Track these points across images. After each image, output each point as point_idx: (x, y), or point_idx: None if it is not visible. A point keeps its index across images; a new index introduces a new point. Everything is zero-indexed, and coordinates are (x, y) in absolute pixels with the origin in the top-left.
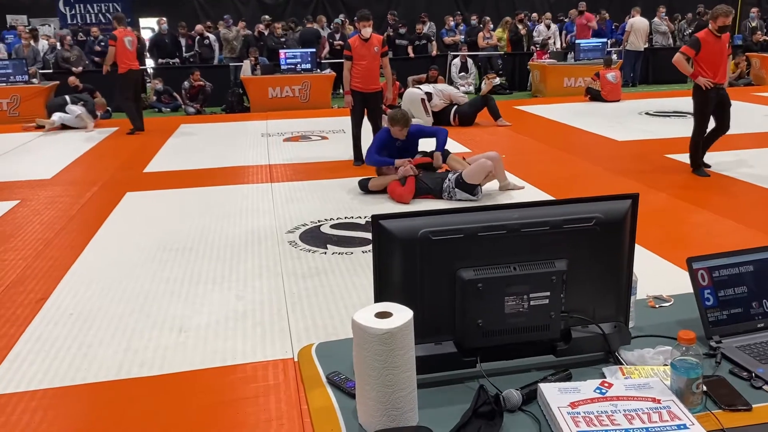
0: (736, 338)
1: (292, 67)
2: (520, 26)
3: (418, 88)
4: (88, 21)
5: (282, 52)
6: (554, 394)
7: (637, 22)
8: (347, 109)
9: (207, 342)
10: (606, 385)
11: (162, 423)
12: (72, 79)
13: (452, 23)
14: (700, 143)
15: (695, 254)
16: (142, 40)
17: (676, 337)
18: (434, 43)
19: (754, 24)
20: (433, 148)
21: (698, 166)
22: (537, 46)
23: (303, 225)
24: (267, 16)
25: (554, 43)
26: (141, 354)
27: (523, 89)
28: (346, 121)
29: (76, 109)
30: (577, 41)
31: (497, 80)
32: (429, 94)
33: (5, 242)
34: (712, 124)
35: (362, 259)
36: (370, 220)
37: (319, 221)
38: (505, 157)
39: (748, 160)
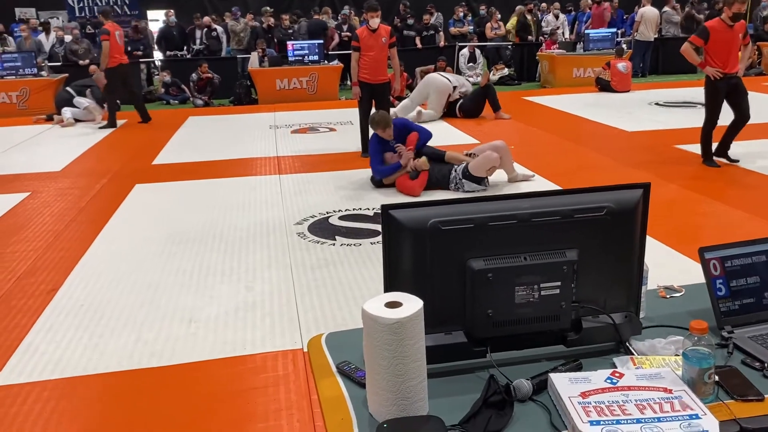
0: (748, 328)
1: (300, 58)
2: (528, 16)
3: (447, 78)
4: (96, 14)
5: (290, 43)
6: (565, 384)
7: (647, 12)
8: (354, 101)
9: (217, 333)
10: (617, 375)
11: (172, 413)
12: (93, 68)
13: (460, 14)
14: (711, 133)
15: (705, 245)
16: (149, 32)
17: (688, 327)
18: (442, 33)
19: (765, 13)
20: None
21: (709, 156)
22: (546, 36)
23: (311, 216)
24: (268, 8)
25: (563, 33)
26: (151, 345)
27: (531, 80)
28: (353, 113)
29: (84, 101)
30: (586, 31)
31: (505, 71)
32: (454, 88)
33: (16, 233)
34: (731, 115)
35: (371, 251)
36: (378, 211)
37: (327, 213)
38: (514, 148)
39: (759, 151)
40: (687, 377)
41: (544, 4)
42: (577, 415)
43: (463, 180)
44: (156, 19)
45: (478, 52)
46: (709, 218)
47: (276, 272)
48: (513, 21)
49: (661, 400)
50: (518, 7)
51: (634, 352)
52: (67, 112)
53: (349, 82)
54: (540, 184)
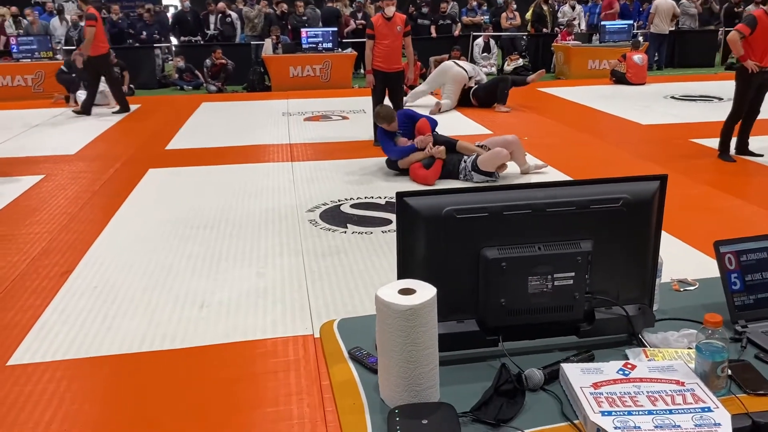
0: (762, 323)
1: (314, 46)
2: (544, 7)
3: (463, 68)
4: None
5: (304, 30)
6: (577, 374)
7: (662, 4)
8: (368, 89)
9: (228, 317)
10: (629, 366)
11: (183, 395)
12: (75, 53)
13: (474, 3)
14: (733, 127)
15: (719, 239)
16: (166, 17)
17: (701, 320)
18: (459, 23)
19: None
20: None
21: (726, 150)
22: (561, 27)
23: (323, 204)
24: None
25: (579, 24)
26: (163, 327)
27: (546, 71)
28: (366, 101)
29: (100, 86)
30: (602, 23)
31: (520, 61)
32: (470, 78)
33: (31, 215)
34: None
35: (382, 239)
36: (390, 200)
37: (339, 201)
38: (528, 140)
39: None
40: (700, 370)
41: None
42: (589, 405)
43: (473, 172)
44: (171, 5)
45: (492, 42)
46: (724, 213)
47: (287, 259)
48: (530, 13)
49: (673, 393)
50: None
51: (647, 345)
52: (81, 96)
53: (362, 71)
54: (553, 176)
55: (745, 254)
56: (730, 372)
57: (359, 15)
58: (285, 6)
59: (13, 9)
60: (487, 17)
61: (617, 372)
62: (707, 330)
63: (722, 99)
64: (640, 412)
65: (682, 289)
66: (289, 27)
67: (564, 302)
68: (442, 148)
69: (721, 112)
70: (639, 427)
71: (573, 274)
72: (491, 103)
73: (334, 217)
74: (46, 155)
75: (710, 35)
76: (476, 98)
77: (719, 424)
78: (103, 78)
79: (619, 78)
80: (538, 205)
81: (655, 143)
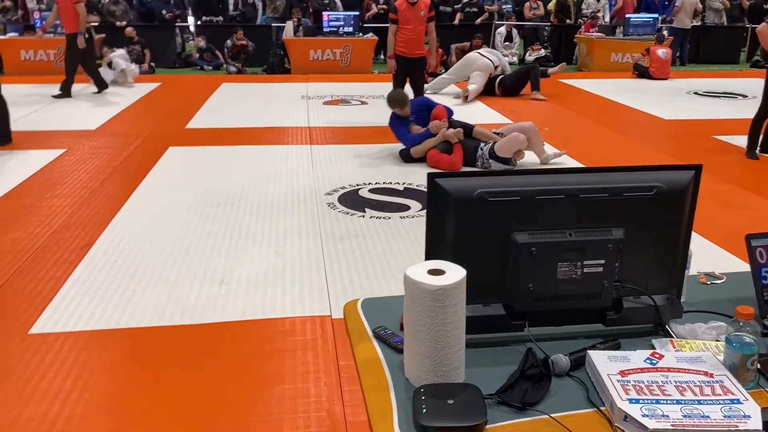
0: None
1: (335, 29)
2: None
3: (488, 58)
4: None
5: (325, 14)
6: (604, 361)
7: None
8: (387, 75)
9: (247, 295)
10: (657, 356)
11: (202, 369)
12: (129, 30)
13: None
14: (761, 124)
15: (741, 237)
16: None
17: (728, 314)
18: (487, 13)
19: None
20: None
21: (753, 148)
22: (585, 18)
23: (342, 188)
24: None
25: (603, 16)
26: (182, 303)
27: (568, 62)
28: (385, 87)
29: (122, 63)
30: (627, 16)
31: (542, 51)
32: (495, 67)
33: (52, 189)
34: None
35: (400, 225)
36: (408, 186)
37: (357, 185)
38: (547, 131)
39: None
40: (729, 362)
41: None
42: (616, 392)
43: (490, 159)
44: None
45: (515, 31)
46: (747, 210)
47: (306, 240)
48: (554, 1)
49: (701, 383)
50: None
51: (674, 335)
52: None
53: (382, 56)
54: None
55: None
56: (759, 366)
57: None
58: None
59: None
60: (510, 6)
61: (644, 361)
62: (738, 322)
63: (747, 96)
64: (668, 401)
65: (709, 283)
66: (311, 10)
67: (592, 290)
68: (459, 129)
69: (745, 109)
70: (667, 416)
71: (603, 261)
72: (517, 92)
73: (353, 201)
74: (67, 130)
75: (736, 32)
76: (502, 87)
77: (749, 416)
78: (120, 55)
79: (641, 72)
80: (572, 191)
81: (678, 138)
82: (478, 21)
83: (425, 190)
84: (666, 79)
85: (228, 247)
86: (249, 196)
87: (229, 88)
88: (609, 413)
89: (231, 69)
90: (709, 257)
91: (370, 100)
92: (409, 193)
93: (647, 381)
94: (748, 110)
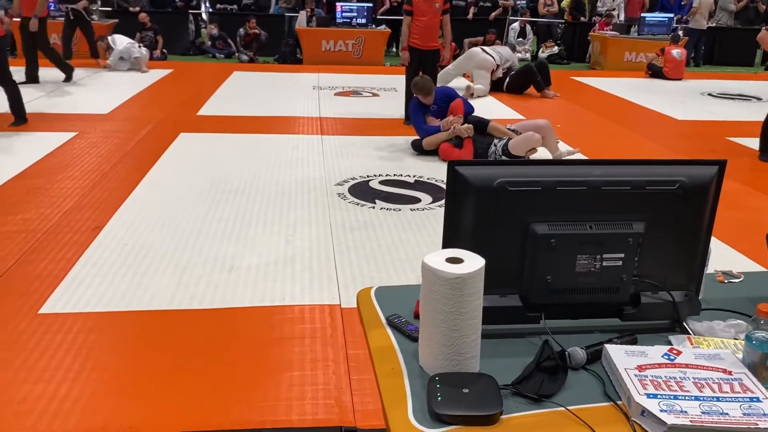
0: None
1: (348, 21)
2: None
3: (490, 55)
4: None
5: (339, 5)
6: (621, 355)
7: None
8: (399, 68)
9: (257, 282)
10: (675, 352)
11: (210, 353)
12: (143, 16)
13: None
14: None
15: (754, 239)
16: None
17: (746, 312)
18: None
19: None
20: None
21: (765, 150)
22: (600, 16)
23: (352, 179)
24: None
25: (618, 15)
26: (192, 288)
27: (581, 60)
28: (397, 80)
29: (135, 51)
30: (642, 15)
31: (555, 48)
32: (498, 66)
33: (63, 171)
34: None
35: (410, 217)
36: (419, 179)
37: (368, 176)
38: (560, 127)
39: None
40: (748, 360)
41: None
42: (634, 387)
43: (503, 156)
44: None
45: (528, 27)
46: (760, 213)
47: (316, 229)
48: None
49: (720, 381)
50: None
51: (692, 332)
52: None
53: (394, 49)
54: None
55: None
56: None
57: None
58: None
59: None
60: (524, 2)
61: (662, 356)
62: (759, 320)
63: (761, 99)
64: (687, 397)
65: (726, 281)
66: (324, 0)
67: (611, 284)
68: (469, 126)
69: (760, 112)
70: (686, 412)
71: (623, 255)
72: (521, 91)
73: (363, 192)
74: (79, 113)
75: (752, 34)
76: (508, 89)
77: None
78: (123, 43)
79: (655, 72)
80: (594, 183)
81: (691, 139)
82: (492, 16)
83: (436, 183)
84: (680, 79)
85: (238, 234)
86: (259, 183)
87: (241, 77)
88: (626, 407)
89: (243, 57)
90: (722, 258)
91: (382, 92)
92: (419, 185)
93: (665, 376)
94: (762, 113)
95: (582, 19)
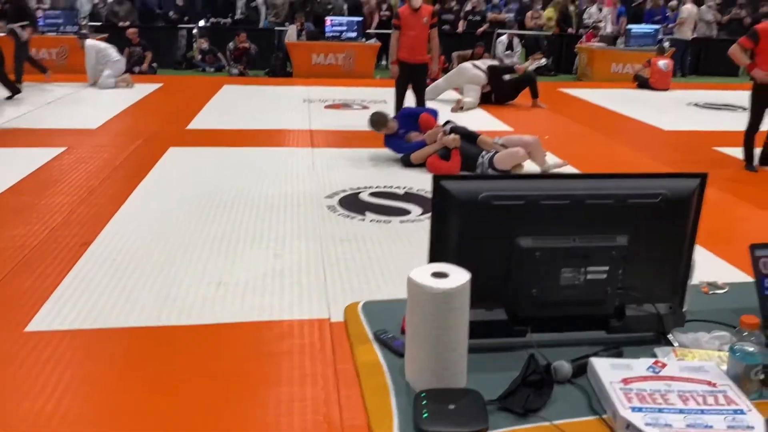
0: None
1: (337, 34)
2: (571, 7)
3: (480, 69)
4: None
5: (328, 19)
6: (606, 369)
7: (692, 11)
8: (389, 81)
9: (245, 297)
10: (659, 364)
11: (199, 369)
12: (131, 32)
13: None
14: (753, 138)
15: (739, 249)
16: None
17: (731, 323)
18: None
19: None
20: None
21: (750, 161)
22: (587, 28)
23: (342, 191)
24: None
25: (605, 27)
26: (180, 303)
27: (568, 72)
28: (387, 92)
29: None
30: (628, 27)
31: (543, 61)
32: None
33: (52, 186)
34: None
35: (400, 229)
36: (409, 191)
37: (358, 188)
38: (548, 138)
39: None
40: (732, 372)
41: None
42: (619, 400)
43: (489, 169)
44: None
45: (516, 40)
46: (746, 222)
47: (305, 242)
48: (549, 11)
49: (704, 393)
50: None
51: (677, 344)
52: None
53: (384, 62)
54: None
55: None
56: (762, 376)
57: (384, 6)
58: None
59: None
60: (512, 15)
61: (647, 369)
62: (743, 331)
63: (746, 109)
64: (672, 410)
65: (711, 292)
66: (312, 14)
67: (595, 296)
68: (456, 136)
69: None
70: (671, 425)
71: (607, 268)
72: (508, 100)
73: (353, 204)
74: (68, 128)
75: None
76: (496, 99)
77: (752, 427)
78: (124, 55)
79: (642, 83)
80: (577, 196)
81: (677, 149)
82: (480, 30)
83: (425, 194)
84: (666, 90)
85: (227, 248)
86: (248, 197)
87: (231, 90)
88: (611, 421)
89: (233, 71)
90: (709, 268)
91: (372, 105)
92: (409, 197)
93: (650, 389)
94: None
95: (569, 30)
